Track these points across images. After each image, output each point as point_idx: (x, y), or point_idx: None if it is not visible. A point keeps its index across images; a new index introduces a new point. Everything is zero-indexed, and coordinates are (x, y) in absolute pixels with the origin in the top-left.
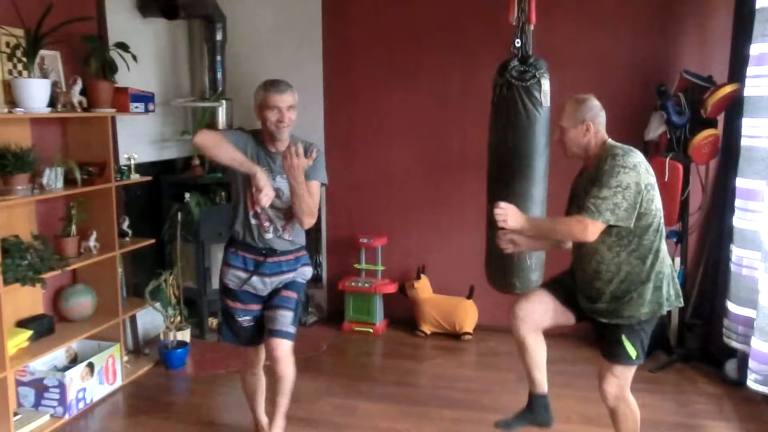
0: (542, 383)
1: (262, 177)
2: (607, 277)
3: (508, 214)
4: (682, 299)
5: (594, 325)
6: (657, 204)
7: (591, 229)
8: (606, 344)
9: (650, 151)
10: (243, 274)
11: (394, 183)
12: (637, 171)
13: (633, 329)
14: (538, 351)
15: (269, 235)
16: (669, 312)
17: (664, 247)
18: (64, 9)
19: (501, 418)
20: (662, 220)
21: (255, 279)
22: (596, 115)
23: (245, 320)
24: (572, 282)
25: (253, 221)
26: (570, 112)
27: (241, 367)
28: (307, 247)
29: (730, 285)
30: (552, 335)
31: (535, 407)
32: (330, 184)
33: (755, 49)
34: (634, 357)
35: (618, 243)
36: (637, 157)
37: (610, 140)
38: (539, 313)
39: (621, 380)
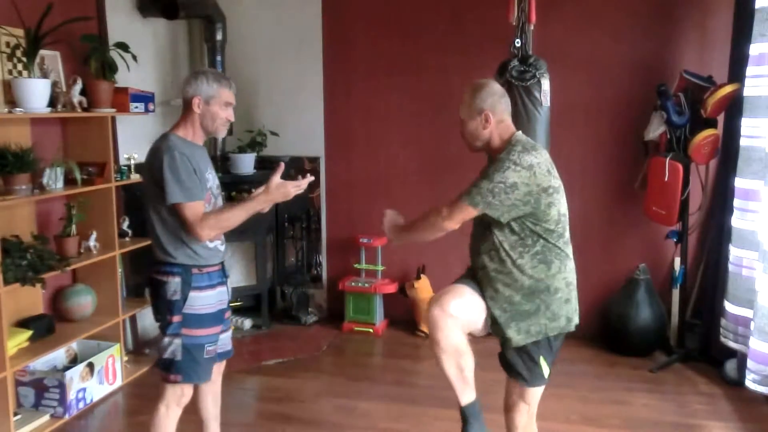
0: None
1: (274, 190)
2: (508, 282)
3: (384, 222)
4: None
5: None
6: (560, 209)
7: (448, 212)
8: (523, 370)
9: (650, 151)
10: (212, 292)
11: (394, 183)
12: (533, 172)
13: (550, 350)
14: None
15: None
16: (669, 312)
17: (571, 254)
18: (64, 9)
19: None
20: (567, 228)
21: (224, 289)
22: (496, 102)
23: (215, 348)
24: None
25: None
26: (467, 101)
27: (167, 414)
28: (307, 247)
29: (728, 285)
30: None
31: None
32: (330, 184)
33: (755, 49)
34: (546, 377)
35: (522, 243)
36: (538, 157)
37: (518, 133)
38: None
39: (531, 407)
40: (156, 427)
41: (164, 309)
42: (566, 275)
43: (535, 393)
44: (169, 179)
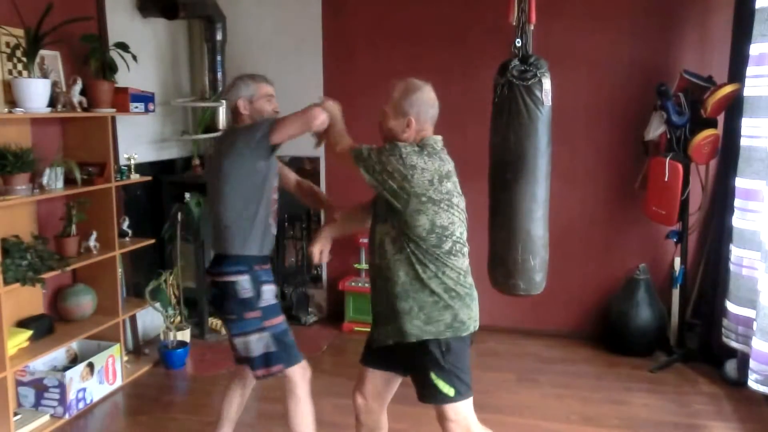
0: None
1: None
2: (388, 276)
3: (319, 248)
4: (476, 325)
5: (404, 369)
6: (437, 221)
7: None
8: (417, 386)
9: (650, 151)
10: (273, 286)
11: None
12: (412, 172)
13: (439, 365)
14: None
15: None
16: (669, 312)
17: (460, 265)
18: (64, 9)
19: None
20: (454, 242)
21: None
22: (422, 111)
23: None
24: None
25: (273, 226)
26: (395, 99)
27: (305, 398)
28: (307, 247)
29: (730, 285)
30: (552, 335)
31: None
32: (331, 184)
33: (755, 49)
34: (452, 394)
35: (399, 238)
36: (430, 164)
37: (432, 137)
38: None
39: (460, 419)
40: (301, 415)
41: (237, 308)
42: (451, 285)
43: (451, 408)
44: (257, 126)
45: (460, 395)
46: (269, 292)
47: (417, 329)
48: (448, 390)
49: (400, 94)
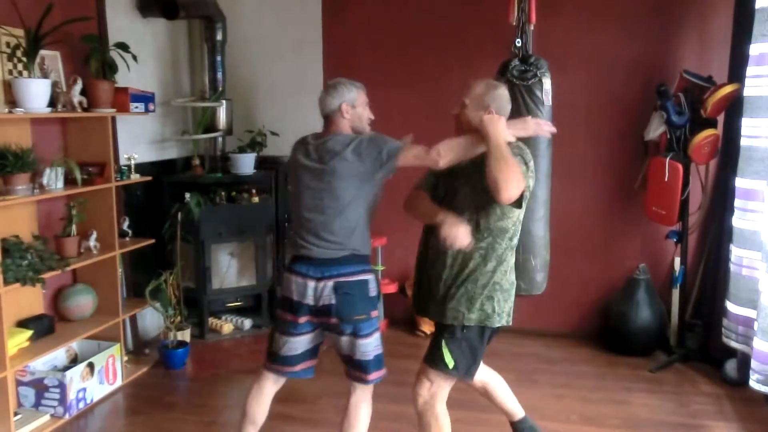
0: None
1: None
2: (449, 263)
3: (456, 233)
4: (509, 320)
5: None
6: (521, 216)
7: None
8: (429, 348)
9: (650, 151)
10: None
11: (394, 182)
12: (533, 168)
13: (454, 336)
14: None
15: None
16: (669, 312)
17: (512, 261)
18: (64, 9)
19: None
20: (517, 234)
21: None
22: (503, 107)
23: None
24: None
25: None
26: (478, 93)
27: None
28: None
29: (730, 285)
30: (552, 335)
31: None
32: None
33: (755, 49)
34: (450, 366)
35: (474, 235)
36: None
37: None
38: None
39: (433, 387)
40: (365, 424)
41: (367, 307)
42: (499, 279)
43: (436, 375)
44: (379, 142)
45: (455, 371)
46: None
47: (462, 314)
48: (449, 360)
49: (482, 89)
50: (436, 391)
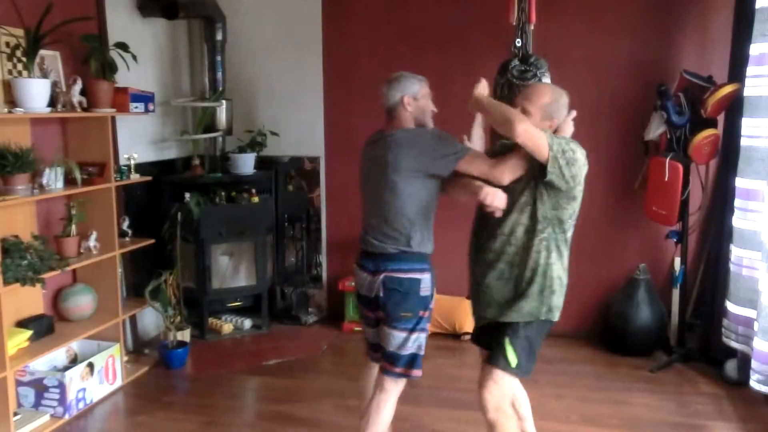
0: None
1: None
2: (516, 261)
3: (495, 197)
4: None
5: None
6: (577, 208)
7: (524, 129)
8: (493, 349)
9: (650, 151)
10: None
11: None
12: (583, 161)
13: (517, 334)
14: None
15: None
16: (669, 312)
17: (568, 255)
18: (64, 9)
19: None
20: (571, 229)
21: None
22: (562, 115)
23: None
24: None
25: None
26: (546, 102)
27: (394, 404)
28: (307, 247)
29: (730, 285)
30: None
31: None
32: (330, 184)
33: (755, 49)
34: (513, 365)
35: (535, 226)
36: (582, 157)
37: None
38: None
39: (499, 387)
40: (387, 419)
41: (416, 306)
42: (558, 272)
43: (502, 375)
44: (444, 141)
45: (518, 369)
46: (434, 295)
47: (528, 311)
48: (513, 358)
49: (550, 98)
50: (504, 392)
